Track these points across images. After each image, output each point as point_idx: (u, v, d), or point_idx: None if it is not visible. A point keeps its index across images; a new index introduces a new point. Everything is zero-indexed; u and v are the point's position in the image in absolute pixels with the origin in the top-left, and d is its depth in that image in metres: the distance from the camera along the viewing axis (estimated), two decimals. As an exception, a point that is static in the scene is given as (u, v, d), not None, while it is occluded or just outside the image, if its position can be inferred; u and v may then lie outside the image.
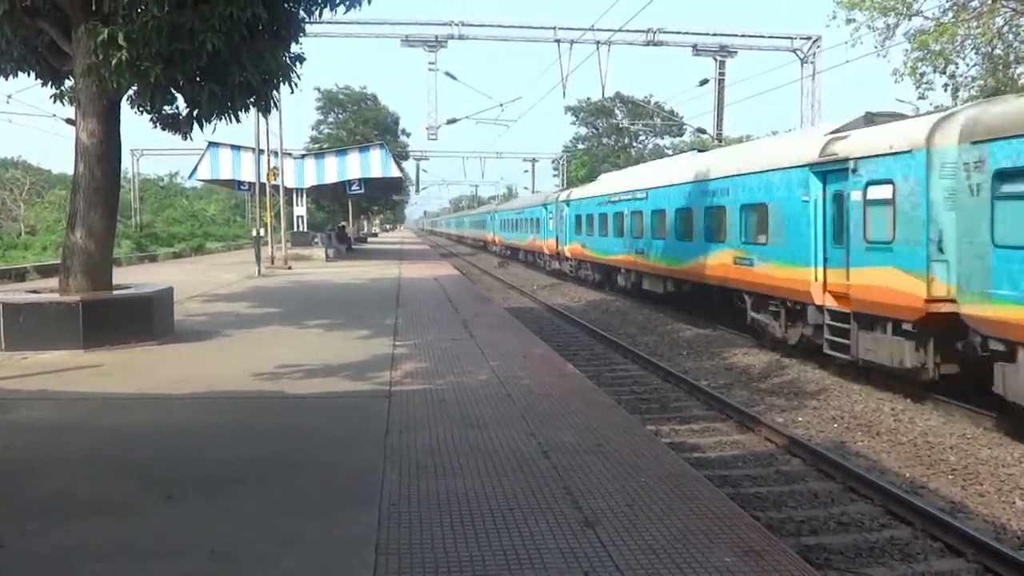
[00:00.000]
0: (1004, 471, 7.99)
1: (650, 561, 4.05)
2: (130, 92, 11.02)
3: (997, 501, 7.32)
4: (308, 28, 11.95)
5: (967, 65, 26.16)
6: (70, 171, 11.80)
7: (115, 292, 11.46)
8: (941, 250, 9.69)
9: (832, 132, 12.70)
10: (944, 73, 25.91)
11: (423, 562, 4.02)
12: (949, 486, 7.74)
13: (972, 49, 25.86)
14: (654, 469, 5.55)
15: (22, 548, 4.19)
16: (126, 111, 11.38)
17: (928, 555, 6.14)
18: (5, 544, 4.22)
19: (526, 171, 73.44)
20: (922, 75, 25.96)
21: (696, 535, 4.40)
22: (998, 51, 25.40)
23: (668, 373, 12.66)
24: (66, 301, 10.61)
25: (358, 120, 53.43)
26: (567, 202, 30.74)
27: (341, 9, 11.35)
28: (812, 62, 29.25)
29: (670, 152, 63.92)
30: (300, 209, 37.66)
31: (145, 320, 11.19)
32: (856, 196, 11.27)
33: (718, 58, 31.05)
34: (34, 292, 11.98)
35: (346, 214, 56.89)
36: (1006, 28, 24.98)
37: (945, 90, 25.57)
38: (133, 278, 15.32)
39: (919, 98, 25.84)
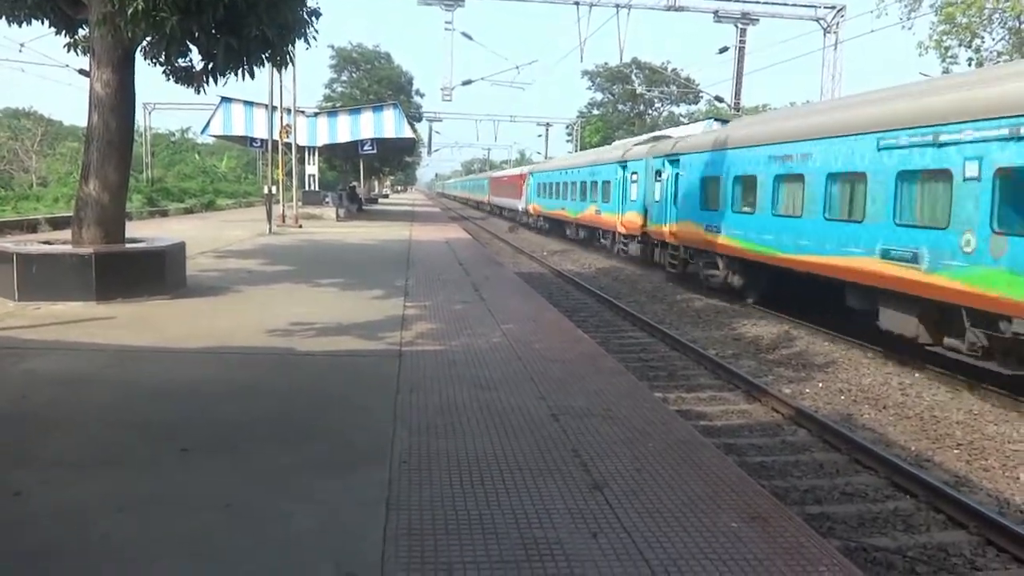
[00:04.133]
0: (1010, 447, 8.02)
1: (657, 524, 4.10)
2: (144, 43, 10.94)
3: (1002, 476, 7.36)
4: (325, -18, 11.80)
5: (993, 39, 25.71)
6: (81, 123, 11.78)
7: (128, 245, 11.49)
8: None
9: (630, 148, 24.83)
10: (970, 47, 25.49)
11: (433, 519, 4.07)
12: (954, 460, 7.77)
13: (999, 23, 25.40)
14: (662, 435, 5.58)
15: (39, 497, 4.26)
16: (139, 63, 11.31)
17: (931, 527, 6.20)
18: (23, 492, 4.29)
19: (539, 135, 72.85)
20: (947, 48, 25.55)
21: (703, 500, 4.44)
22: (1025, 25, 24.92)
23: (676, 341, 12.69)
24: (79, 253, 10.65)
25: (372, 79, 53.01)
26: None
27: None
28: (835, 32, 28.71)
29: (685, 120, 63.24)
30: (312, 168, 37.54)
31: (157, 274, 11.24)
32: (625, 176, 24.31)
33: (739, 25, 30.53)
34: (47, 243, 12.03)
35: (357, 174, 56.65)
36: (1034, 1, 24.48)
37: (970, 64, 25.17)
38: (145, 232, 15.35)
39: (944, 72, 25.45)
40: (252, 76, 11.37)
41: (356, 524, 4.00)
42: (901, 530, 6.14)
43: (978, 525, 6.08)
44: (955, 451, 8.02)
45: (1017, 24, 24.77)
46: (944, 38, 25.42)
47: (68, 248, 10.99)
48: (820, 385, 10.43)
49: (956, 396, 9.76)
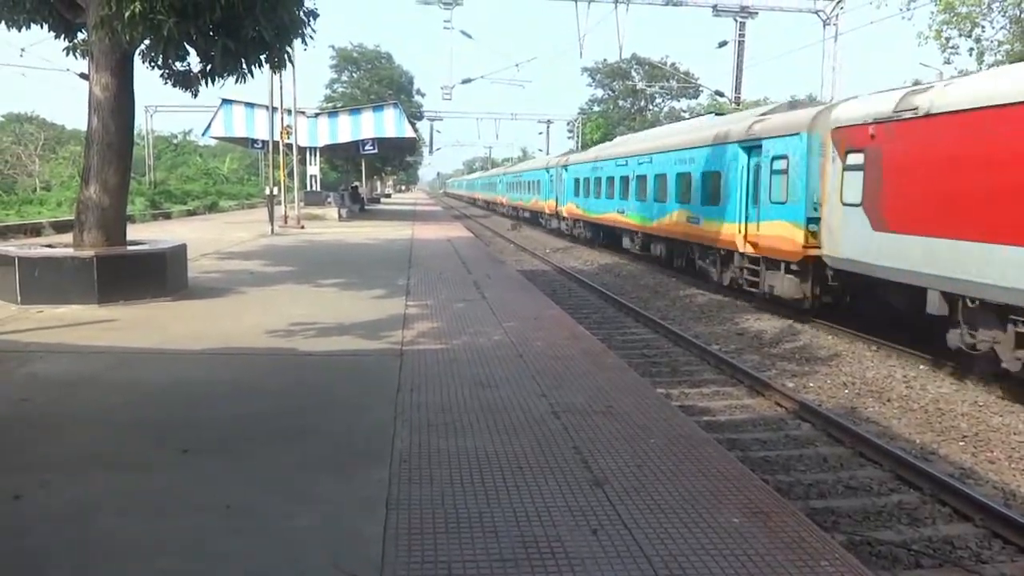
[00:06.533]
0: (1016, 438, 7.98)
1: (658, 520, 4.08)
2: (142, 46, 10.94)
3: (1007, 468, 7.33)
4: (322, -17, 11.78)
5: (993, 28, 25.61)
6: (83, 126, 11.78)
7: (129, 247, 11.50)
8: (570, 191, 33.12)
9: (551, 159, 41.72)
10: (970, 36, 25.39)
11: (434, 518, 4.06)
12: (959, 453, 7.74)
13: (999, 12, 25.30)
14: (664, 431, 5.56)
15: (39, 500, 4.26)
16: (138, 66, 11.31)
17: (936, 520, 6.17)
18: (23, 495, 4.29)
19: (540, 133, 72.79)
20: (947, 39, 25.45)
21: (704, 495, 4.42)
22: (1026, 14, 24.82)
23: (679, 337, 12.65)
24: (81, 256, 10.66)
25: (372, 79, 52.99)
26: None
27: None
28: (835, 24, 28.63)
29: (686, 115, 63.15)
30: (313, 168, 37.56)
31: (159, 276, 11.24)
32: (548, 176, 39.03)
33: (738, 19, 30.46)
34: (49, 247, 12.05)
35: (359, 174, 56.66)
36: (1035, -10, 24.39)
37: (970, 54, 25.09)
38: (147, 235, 15.37)
39: (944, 63, 25.39)
40: (251, 76, 11.36)
41: (356, 523, 3.99)
42: (906, 524, 6.11)
43: (984, 517, 6.05)
44: (960, 443, 7.99)
45: (1018, 13, 24.66)
46: (944, 28, 25.31)
47: (69, 251, 11.00)
48: (824, 379, 10.40)
49: (961, 388, 9.73)
